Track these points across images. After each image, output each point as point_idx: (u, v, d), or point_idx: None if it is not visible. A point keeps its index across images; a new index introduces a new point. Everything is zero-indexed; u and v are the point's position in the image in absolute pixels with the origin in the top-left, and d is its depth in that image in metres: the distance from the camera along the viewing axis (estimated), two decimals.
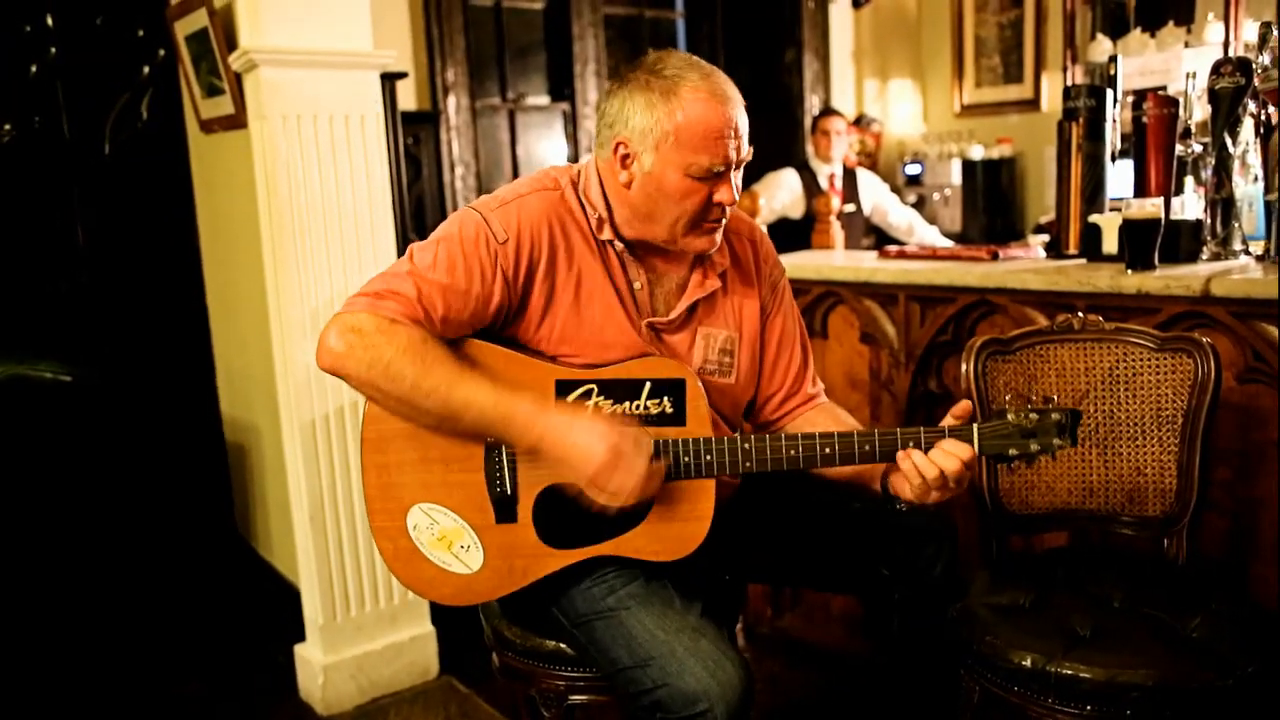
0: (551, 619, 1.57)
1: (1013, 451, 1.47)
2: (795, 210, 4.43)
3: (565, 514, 1.49)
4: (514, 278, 1.49)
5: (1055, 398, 1.52)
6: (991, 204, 5.38)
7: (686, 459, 1.48)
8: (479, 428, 1.44)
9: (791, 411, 1.72)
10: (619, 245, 1.55)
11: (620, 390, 1.50)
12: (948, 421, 1.47)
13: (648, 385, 1.50)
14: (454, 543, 1.52)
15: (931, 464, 1.44)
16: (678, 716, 1.38)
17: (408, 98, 4.20)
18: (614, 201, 1.54)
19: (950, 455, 1.44)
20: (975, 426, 1.47)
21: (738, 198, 1.51)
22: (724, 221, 1.54)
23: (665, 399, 1.50)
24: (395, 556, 1.54)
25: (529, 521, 1.50)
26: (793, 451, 1.48)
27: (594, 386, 1.50)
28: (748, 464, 1.49)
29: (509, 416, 1.42)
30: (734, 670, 1.39)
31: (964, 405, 1.49)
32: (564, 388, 1.50)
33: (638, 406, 1.50)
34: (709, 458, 1.48)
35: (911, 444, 1.46)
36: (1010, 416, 1.47)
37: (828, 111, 4.74)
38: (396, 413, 1.46)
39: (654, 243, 1.55)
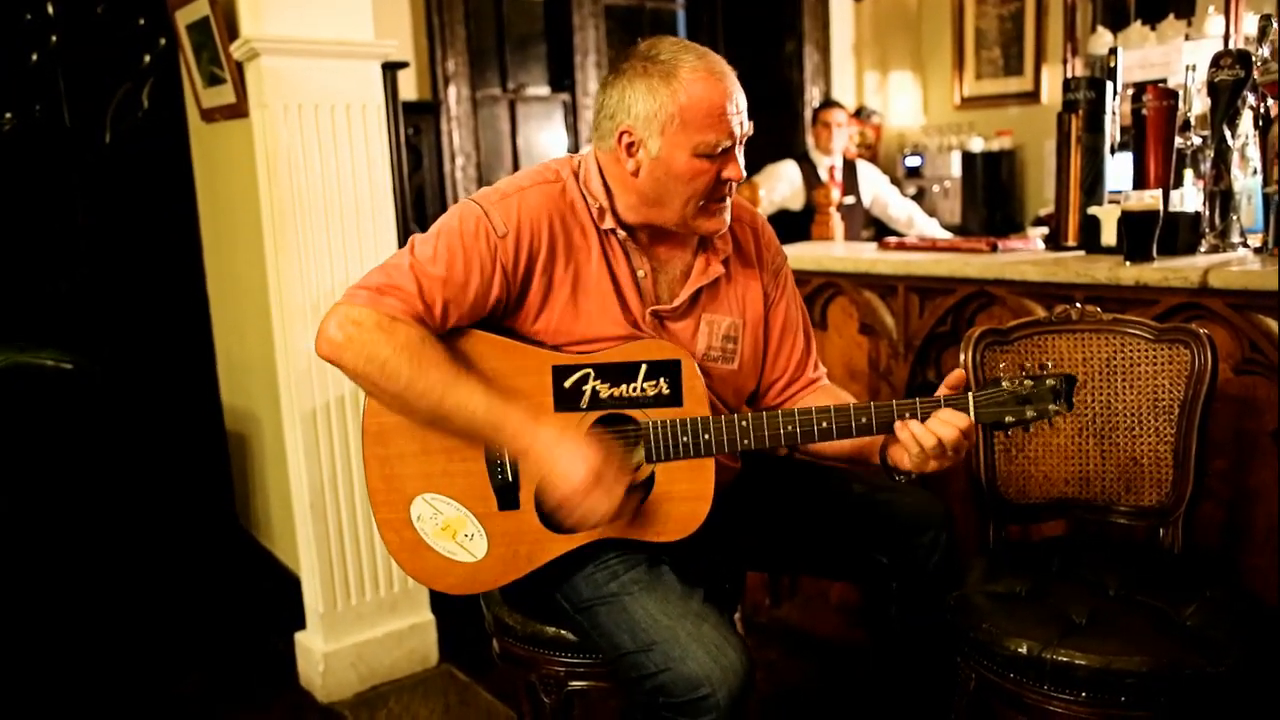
0: (555, 605, 1.59)
1: (1009, 419, 1.47)
2: (795, 202, 4.44)
3: None
4: (513, 272, 1.50)
5: (1050, 364, 1.51)
6: (991, 196, 5.40)
7: (685, 439, 1.49)
8: (468, 432, 1.47)
9: (794, 396, 1.73)
10: (621, 234, 1.56)
11: (616, 373, 1.51)
12: (942, 391, 1.48)
13: (644, 367, 1.50)
14: (458, 532, 1.53)
15: (929, 433, 1.45)
16: (680, 701, 1.39)
17: (408, 88, 4.21)
18: (617, 190, 1.55)
19: (947, 424, 1.45)
20: (971, 395, 1.47)
21: (744, 174, 1.53)
22: (730, 201, 1.55)
23: (661, 380, 1.50)
24: (400, 548, 1.55)
25: (531, 508, 1.51)
26: (789, 427, 1.49)
27: (590, 371, 1.51)
28: (745, 441, 1.50)
29: (499, 424, 1.44)
30: (736, 655, 1.41)
31: (958, 374, 1.49)
32: (560, 373, 1.51)
33: (634, 388, 1.50)
34: (707, 437, 1.49)
35: (908, 415, 1.47)
36: (1005, 384, 1.47)
37: (828, 103, 4.74)
38: (389, 407, 1.49)
39: (665, 227, 1.56)
